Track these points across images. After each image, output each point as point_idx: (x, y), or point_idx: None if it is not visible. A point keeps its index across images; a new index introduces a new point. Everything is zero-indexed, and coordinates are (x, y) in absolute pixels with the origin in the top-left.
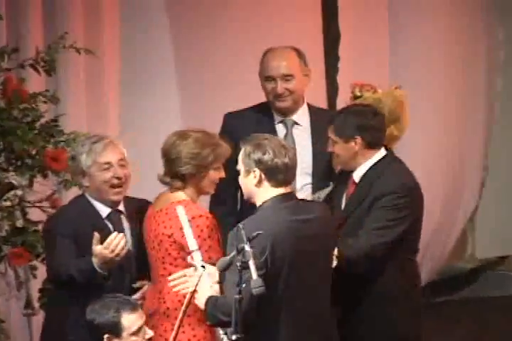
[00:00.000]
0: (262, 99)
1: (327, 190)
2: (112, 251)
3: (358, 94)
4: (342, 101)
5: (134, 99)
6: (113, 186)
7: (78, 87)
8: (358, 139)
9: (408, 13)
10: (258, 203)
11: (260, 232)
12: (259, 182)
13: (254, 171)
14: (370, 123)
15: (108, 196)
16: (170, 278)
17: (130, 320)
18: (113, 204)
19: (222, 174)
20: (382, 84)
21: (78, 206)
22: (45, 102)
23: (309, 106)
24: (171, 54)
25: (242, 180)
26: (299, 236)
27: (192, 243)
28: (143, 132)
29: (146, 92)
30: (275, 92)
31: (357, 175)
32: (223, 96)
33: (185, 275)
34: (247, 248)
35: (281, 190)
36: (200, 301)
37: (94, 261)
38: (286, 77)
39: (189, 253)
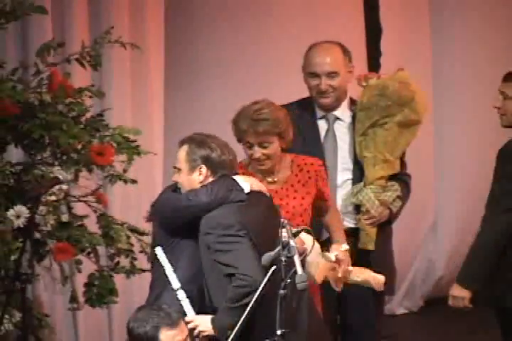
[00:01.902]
0: (307, 94)
1: (359, 186)
2: None
3: (364, 84)
4: None
5: (178, 93)
6: None
7: (123, 81)
8: None
9: (450, 6)
10: None
11: (305, 227)
12: (205, 179)
13: (200, 168)
14: None
15: None
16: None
17: (168, 336)
18: None
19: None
20: (426, 79)
21: None
22: (90, 97)
23: (352, 101)
24: (215, 48)
25: (183, 178)
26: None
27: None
28: (187, 126)
29: (190, 87)
30: (319, 89)
31: None
32: (266, 92)
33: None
34: (292, 243)
35: None
36: (207, 326)
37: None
38: (331, 74)
39: None
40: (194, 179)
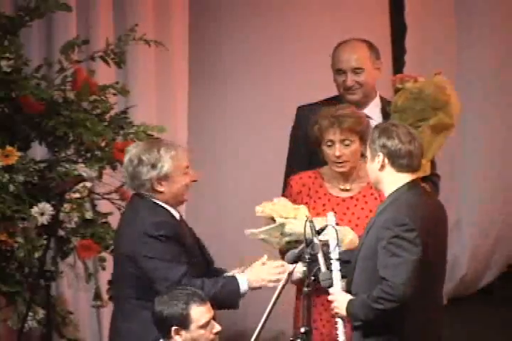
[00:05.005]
0: (334, 92)
1: None
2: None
3: (399, 86)
4: None
5: (203, 91)
6: (188, 188)
7: (147, 78)
8: None
9: (476, 4)
10: (388, 189)
11: (328, 224)
12: (382, 167)
13: (378, 156)
14: None
15: (183, 198)
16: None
17: (199, 313)
18: (178, 207)
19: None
20: (450, 77)
21: (159, 210)
22: (114, 94)
23: (382, 99)
24: (239, 46)
25: (368, 165)
26: (437, 222)
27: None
28: (211, 124)
29: (214, 84)
30: (345, 85)
31: None
32: (291, 90)
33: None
34: (315, 241)
35: (408, 176)
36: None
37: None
38: (356, 70)
39: None
40: (375, 167)
